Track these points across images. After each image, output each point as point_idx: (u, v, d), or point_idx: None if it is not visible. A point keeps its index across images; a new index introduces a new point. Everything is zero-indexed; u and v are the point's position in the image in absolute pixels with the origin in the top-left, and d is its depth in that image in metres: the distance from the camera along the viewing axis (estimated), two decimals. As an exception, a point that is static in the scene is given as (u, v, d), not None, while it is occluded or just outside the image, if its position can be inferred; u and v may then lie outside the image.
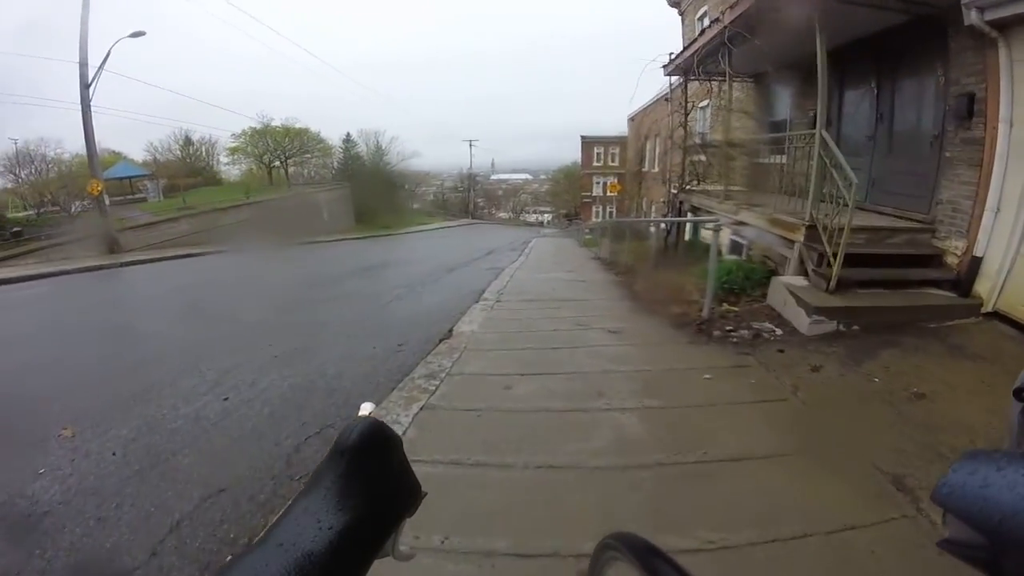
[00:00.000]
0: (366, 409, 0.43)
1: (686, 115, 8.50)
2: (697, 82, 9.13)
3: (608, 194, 26.33)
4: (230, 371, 3.89)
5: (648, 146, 20.97)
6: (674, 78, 9.98)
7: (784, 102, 8.21)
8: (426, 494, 0.41)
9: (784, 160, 7.07)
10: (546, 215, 46.92)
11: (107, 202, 14.53)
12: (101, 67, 12.81)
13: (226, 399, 3.41)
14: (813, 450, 2.38)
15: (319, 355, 4.28)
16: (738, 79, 8.43)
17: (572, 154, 40.06)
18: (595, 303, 5.76)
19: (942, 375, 3.20)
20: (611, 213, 29.13)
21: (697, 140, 8.75)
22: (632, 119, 24.84)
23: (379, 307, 6.40)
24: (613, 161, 33.88)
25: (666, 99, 17.18)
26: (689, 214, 8.37)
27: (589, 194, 35.02)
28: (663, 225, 9.43)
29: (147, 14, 44.00)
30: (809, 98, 7.33)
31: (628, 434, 2.57)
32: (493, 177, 50.55)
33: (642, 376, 3.34)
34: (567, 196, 41.62)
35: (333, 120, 67.85)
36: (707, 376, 3.27)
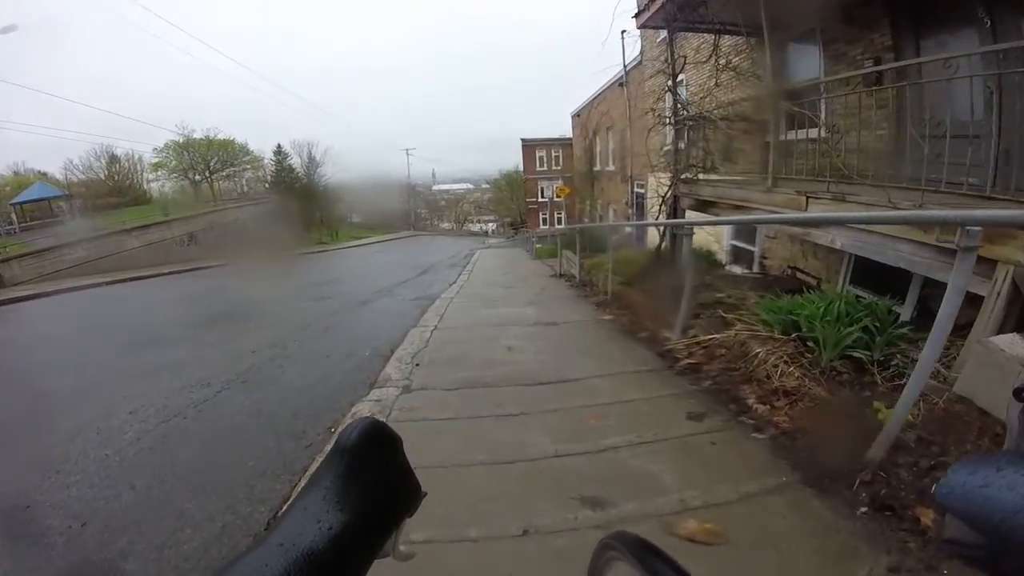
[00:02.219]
0: None
1: (673, 77, 6.16)
2: (676, 46, 6.88)
3: (557, 198, 24.16)
4: None
5: (598, 143, 18.94)
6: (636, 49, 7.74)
7: (803, 58, 6.09)
8: (426, 494, 0.39)
9: (821, 134, 4.88)
10: (490, 224, 44.65)
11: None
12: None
13: None
14: None
15: None
16: (734, 32, 6.25)
17: (512, 161, 37.90)
18: (594, 389, 3.09)
19: None
20: (560, 219, 27.02)
21: (688, 112, 6.39)
22: (577, 115, 22.81)
23: (188, 410, 3.42)
24: (557, 164, 31.98)
25: (621, 84, 15.16)
26: (689, 212, 6.03)
27: (535, 200, 32.86)
28: (661, 231, 6.99)
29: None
30: (853, 43, 5.23)
31: None
32: (435, 188, 48.10)
33: None
34: (511, 203, 39.32)
35: (264, 131, 62.09)
36: None
